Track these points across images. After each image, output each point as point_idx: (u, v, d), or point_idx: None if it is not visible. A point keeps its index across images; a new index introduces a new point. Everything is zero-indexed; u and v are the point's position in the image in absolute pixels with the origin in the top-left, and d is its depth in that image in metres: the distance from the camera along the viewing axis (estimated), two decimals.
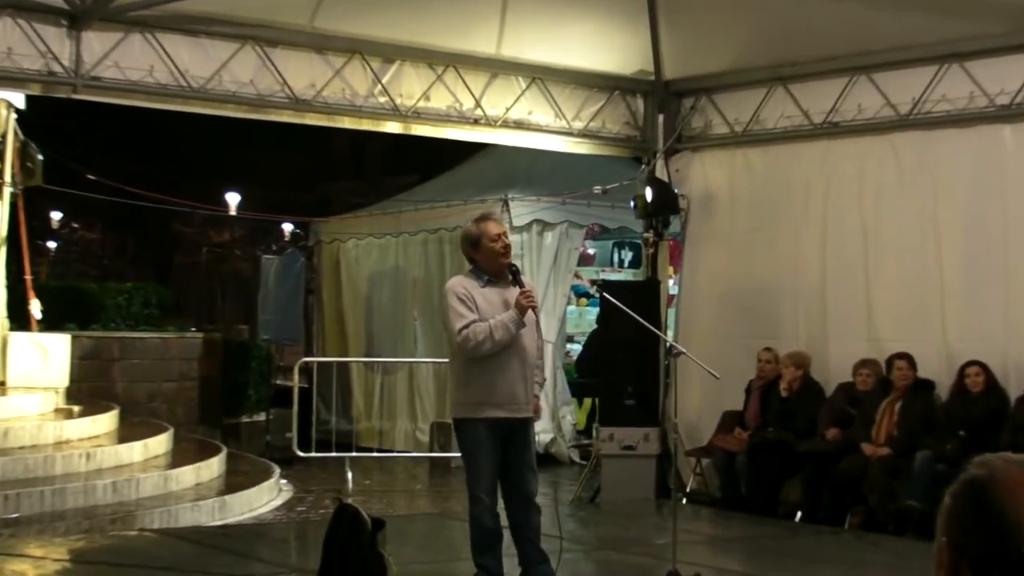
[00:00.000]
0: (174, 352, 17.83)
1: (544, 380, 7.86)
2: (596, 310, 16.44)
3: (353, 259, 18.29)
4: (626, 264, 18.50)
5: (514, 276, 7.36)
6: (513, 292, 7.32)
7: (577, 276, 17.19)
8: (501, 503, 7.53)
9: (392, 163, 38.39)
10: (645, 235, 13.68)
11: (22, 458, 11.25)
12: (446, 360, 13.71)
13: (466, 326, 7.16)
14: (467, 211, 14.37)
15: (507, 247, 7.41)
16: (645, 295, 12.45)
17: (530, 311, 7.30)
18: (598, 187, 14.59)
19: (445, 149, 16.92)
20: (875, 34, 11.81)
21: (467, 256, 7.54)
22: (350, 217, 19.42)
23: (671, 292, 14.37)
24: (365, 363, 17.60)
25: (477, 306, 7.26)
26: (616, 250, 18.67)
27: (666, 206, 13.23)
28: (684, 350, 8.65)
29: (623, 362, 12.51)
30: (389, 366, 17.20)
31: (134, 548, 9.82)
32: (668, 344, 9.93)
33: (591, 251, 18.44)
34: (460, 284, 7.36)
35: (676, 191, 13.34)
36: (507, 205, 15.47)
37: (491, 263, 7.38)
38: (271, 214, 24.33)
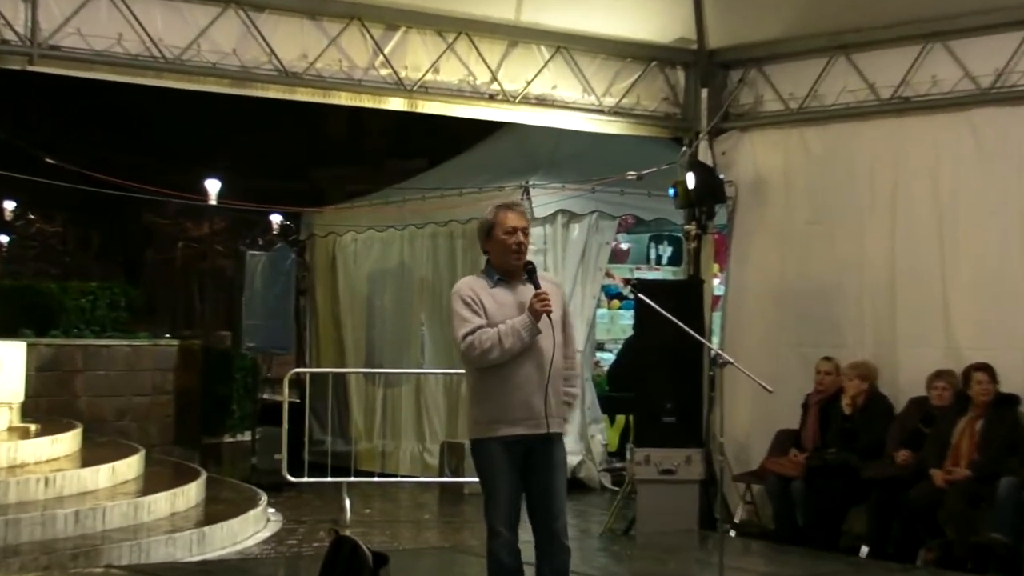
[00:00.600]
0: (146, 362, 17.82)
1: (575, 396, 7.68)
2: (630, 314, 16.24)
3: (351, 255, 18.19)
4: (664, 261, 18.36)
5: (529, 275, 7.34)
6: (529, 292, 7.30)
7: (608, 275, 17.04)
8: (527, 534, 7.38)
9: (396, 145, 38.36)
10: (686, 227, 13.55)
11: None
12: (458, 371, 13.84)
13: (470, 332, 7.17)
14: (482, 200, 14.28)
15: (521, 246, 7.36)
16: (687, 296, 12.36)
17: (550, 313, 7.27)
18: (632, 172, 14.48)
19: (457, 129, 16.89)
20: None
21: (481, 247, 7.53)
22: (347, 207, 19.32)
23: (716, 293, 14.11)
24: (365, 375, 17.48)
25: (485, 309, 7.25)
26: (653, 245, 18.51)
27: (711, 194, 13.08)
28: (731, 360, 8.63)
29: (661, 373, 12.39)
30: (393, 378, 17.06)
31: None
32: (713, 353, 9.79)
33: (624, 246, 18.27)
34: (467, 286, 7.35)
35: (722, 177, 13.21)
36: (527, 193, 15.31)
37: (502, 259, 7.38)
38: (257, 203, 24.12)
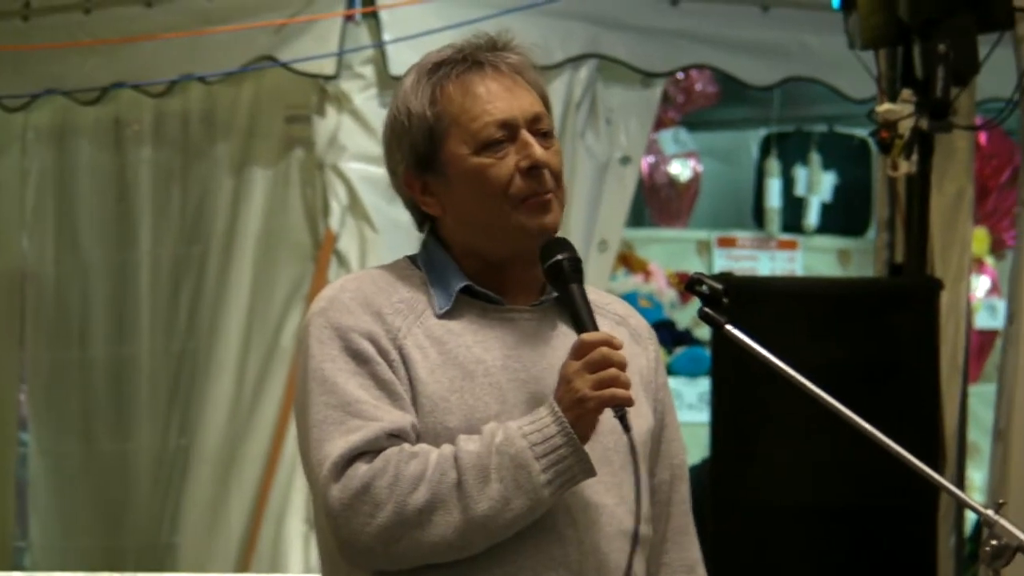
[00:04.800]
0: None
1: None
2: (698, 392, 7.38)
3: None
4: (814, 218, 8.37)
5: (557, 283, 2.59)
6: (560, 342, 2.62)
7: (629, 262, 7.63)
8: None
9: None
10: (883, 110, 5.27)
11: None
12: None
13: (358, 452, 2.53)
14: (215, 18, 6.33)
15: (546, 177, 2.58)
16: (884, 334, 5.18)
17: (627, 407, 2.55)
18: None
19: None
20: None
21: (404, 197, 2.72)
22: None
23: (985, 324, 7.09)
24: None
25: (415, 384, 2.57)
26: (777, 164, 8.23)
27: (959, 6, 5.27)
28: None
29: None
30: None
31: None
32: (977, 518, 2.75)
33: (681, 170, 7.83)
34: (359, 303, 2.62)
35: None
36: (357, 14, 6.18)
37: (489, 232, 2.65)
38: None
